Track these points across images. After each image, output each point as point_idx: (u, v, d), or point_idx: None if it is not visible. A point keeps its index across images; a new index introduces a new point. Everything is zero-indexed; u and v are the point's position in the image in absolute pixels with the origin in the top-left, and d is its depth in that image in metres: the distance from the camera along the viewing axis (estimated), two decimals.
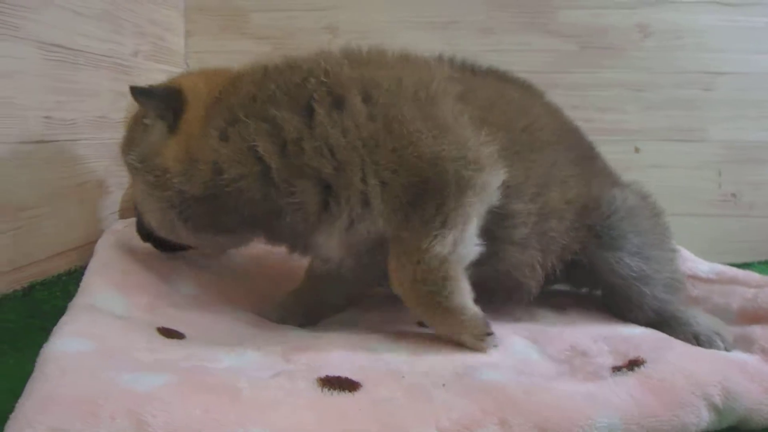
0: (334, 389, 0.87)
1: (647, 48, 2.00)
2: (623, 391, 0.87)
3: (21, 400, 0.77)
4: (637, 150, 2.01)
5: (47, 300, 1.27)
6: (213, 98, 1.13)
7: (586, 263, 1.23)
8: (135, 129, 1.21)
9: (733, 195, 2.00)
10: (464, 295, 1.05)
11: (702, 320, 1.18)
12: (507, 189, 1.10)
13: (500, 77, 1.35)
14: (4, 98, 1.19)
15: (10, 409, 0.78)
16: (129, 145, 1.21)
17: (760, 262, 1.85)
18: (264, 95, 1.07)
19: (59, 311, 1.08)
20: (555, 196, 1.20)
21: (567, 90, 1.98)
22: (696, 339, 1.14)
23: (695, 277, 1.37)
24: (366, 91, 1.05)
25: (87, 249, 1.39)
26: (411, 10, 2.02)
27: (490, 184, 1.07)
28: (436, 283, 1.03)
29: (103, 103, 1.51)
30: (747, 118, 1.99)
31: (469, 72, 1.30)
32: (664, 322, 1.20)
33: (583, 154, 1.34)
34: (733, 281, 1.31)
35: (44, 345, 0.93)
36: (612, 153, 2.00)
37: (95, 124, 1.48)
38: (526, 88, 1.39)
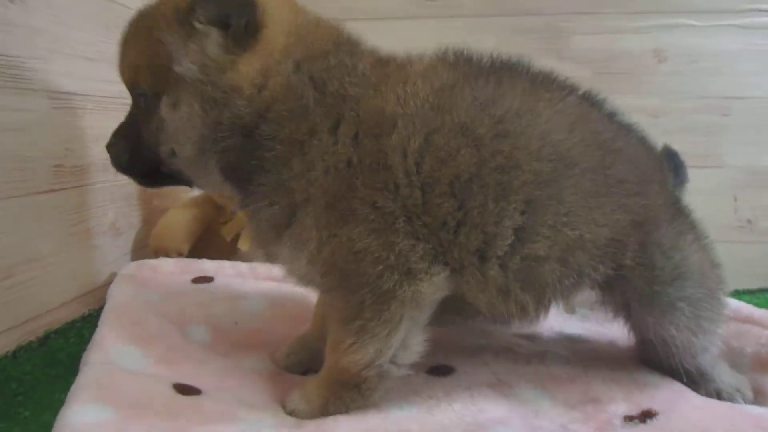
0: None
1: (663, 73, 1.98)
2: None
3: None
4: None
5: (62, 348, 1.28)
6: (296, 32, 1.03)
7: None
8: (166, 34, 0.99)
9: (749, 221, 1.98)
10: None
11: (726, 378, 1.12)
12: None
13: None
14: (14, 153, 1.20)
15: None
16: (160, 55, 0.99)
17: None
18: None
19: (75, 358, 1.10)
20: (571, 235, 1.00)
21: None
22: (718, 395, 1.09)
23: None
24: None
25: (100, 292, 1.40)
26: (424, 35, 2.02)
27: (424, 296, 0.96)
28: (352, 383, 0.99)
29: None
30: (764, 143, 1.97)
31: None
32: (689, 376, 1.11)
33: (616, 187, 1.06)
34: (748, 320, 1.29)
35: (61, 411, 0.93)
36: None
37: (105, 167, 1.48)
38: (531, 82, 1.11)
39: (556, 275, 1.00)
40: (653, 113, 1.99)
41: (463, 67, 1.08)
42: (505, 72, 1.09)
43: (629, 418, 0.99)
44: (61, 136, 1.34)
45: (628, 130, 1.19)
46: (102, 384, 1.00)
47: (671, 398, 1.05)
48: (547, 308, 1.08)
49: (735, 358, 1.23)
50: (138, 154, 1.07)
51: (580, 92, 1.16)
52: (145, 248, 1.66)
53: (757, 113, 1.96)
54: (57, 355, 1.26)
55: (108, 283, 1.41)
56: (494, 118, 0.99)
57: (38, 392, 1.14)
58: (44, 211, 1.29)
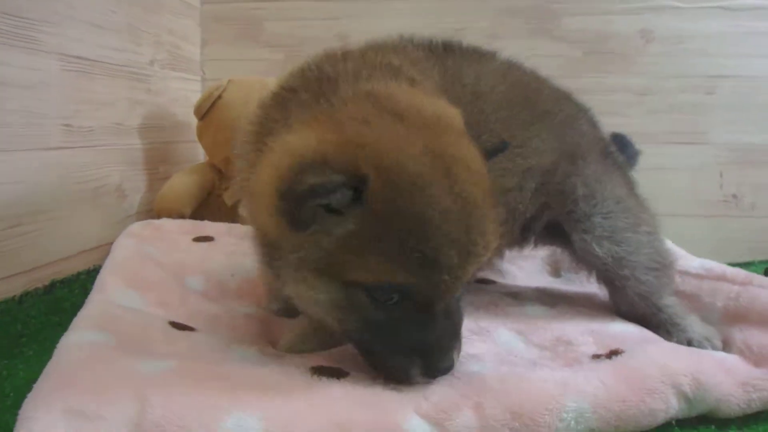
0: (324, 376, 0.93)
1: (650, 53, 2.04)
2: (595, 377, 0.92)
3: (38, 384, 0.83)
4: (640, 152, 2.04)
5: (67, 297, 1.36)
6: None
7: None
8: None
9: (734, 196, 2.03)
10: None
11: (697, 328, 1.19)
12: None
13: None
14: (24, 109, 1.28)
15: (13, 419, 0.84)
16: None
17: (761, 261, 1.87)
18: None
19: (78, 308, 1.15)
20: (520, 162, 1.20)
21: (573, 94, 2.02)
22: (688, 344, 1.16)
23: (685, 273, 1.40)
24: None
25: (104, 249, 1.47)
26: (420, 18, 2.09)
27: None
28: None
29: (119, 111, 1.60)
30: (748, 121, 2.02)
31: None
32: (662, 326, 1.21)
33: (545, 116, 1.29)
34: (720, 278, 1.34)
35: (63, 336, 1.01)
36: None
37: (112, 131, 1.57)
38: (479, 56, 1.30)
39: (518, 201, 1.21)
40: (641, 92, 2.05)
41: (426, 48, 1.22)
42: (454, 49, 1.25)
43: (596, 356, 1.04)
44: (70, 97, 1.42)
45: (547, 81, 1.39)
46: (102, 316, 1.08)
47: (641, 342, 1.11)
48: (515, 237, 1.28)
49: (707, 313, 1.28)
50: None
51: (500, 55, 1.34)
52: (149, 212, 1.73)
53: (742, 92, 2.01)
54: (61, 304, 1.33)
55: (112, 243, 1.48)
56: (466, 86, 1.18)
57: (42, 335, 1.21)
58: (52, 166, 1.37)
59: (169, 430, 0.76)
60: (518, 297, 1.40)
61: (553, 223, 1.28)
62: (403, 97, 0.92)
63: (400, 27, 2.08)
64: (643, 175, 2.03)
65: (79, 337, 0.98)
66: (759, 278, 1.30)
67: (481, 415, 0.84)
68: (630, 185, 1.34)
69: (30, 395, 0.80)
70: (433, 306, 0.87)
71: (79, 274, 1.45)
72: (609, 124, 2.05)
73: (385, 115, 0.87)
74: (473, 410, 0.85)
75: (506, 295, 1.41)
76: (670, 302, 1.22)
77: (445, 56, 1.21)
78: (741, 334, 1.13)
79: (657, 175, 2.01)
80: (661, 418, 0.92)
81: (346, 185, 0.79)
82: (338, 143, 0.83)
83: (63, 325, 1.23)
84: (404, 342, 0.88)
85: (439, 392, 0.88)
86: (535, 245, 1.40)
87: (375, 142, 0.83)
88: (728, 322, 1.22)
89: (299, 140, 0.86)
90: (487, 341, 1.12)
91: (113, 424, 0.76)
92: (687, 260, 1.46)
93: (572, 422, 0.86)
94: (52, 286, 1.37)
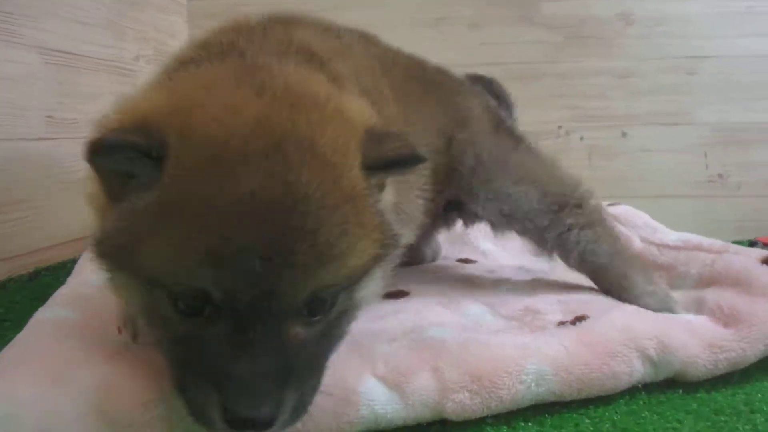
0: None
1: (630, 36, 2.05)
2: (556, 341, 0.93)
3: (3, 353, 0.85)
4: (624, 135, 2.06)
5: (52, 285, 1.38)
6: None
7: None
8: None
9: (720, 176, 2.03)
10: None
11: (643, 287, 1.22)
12: None
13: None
14: (6, 100, 1.32)
15: None
16: None
17: (748, 240, 1.87)
18: None
19: None
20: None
21: (555, 79, 2.04)
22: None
23: (663, 245, 1.42)
24: None
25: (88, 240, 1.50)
26: (400, 7, 2.12)
27: None
28: None
29: (103, 105, 1.62)
30: (731, 100, 2.02)
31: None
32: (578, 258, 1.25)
33: (443, 95, 1.34)
34: (697, 248, 1.35)
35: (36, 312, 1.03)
36: (600, 138, 2.08)
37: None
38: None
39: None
40: (622, 74, 2.06)
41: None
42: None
43: (561, 323, 1.05)
44: (53, 89, 1.46)
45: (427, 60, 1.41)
46: (75, 295, 1.10)
47: (608, 307, 1.12)
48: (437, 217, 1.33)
49: (681, 280, 1.29)
50: None
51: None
52: None
53: (723, 72, 2.02)
54: (46, 291, 1.35)
55: None
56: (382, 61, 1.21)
57: (25, 320, 1.22)
58: (35, 157, 1.41)
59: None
60: (494, 273, 1.42)
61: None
62: (291, 77, 0.78)
63: (381, 16, 2.13)
64: (628, 157, 2.06)
65: (50, 313, 1.01)
66: (735, 247, 1.32)
67: (439, 378, 0.85)
68: (518, 144, 1.35)
69: None
70: (244, 328, 0.65)
71: (65, 262, 1.47)
72: (591, 107, 2.08)
73: (242, 84, 0.74)
74: (431, 373, 0.86)
75: (484, 272, 1.43)
76: (606, 260, 1.24)
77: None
78: (713, 295, 1.13)
79: (642, 157, 2.03)
80: (625, 381, 0.92)
81: (140, 148, 0.65)
82: (156, 106, 0.71)
83: None
84: (207, 372, 0.66)
85: (398, 357, 0.89)
86: (465, 224, 1.44)
87: (195, 107, 0.69)
88: (702, 286, 1.23)
89: (129, 103, 0.76)
90: (454, 312, 1.13)
91: (68, 390, 0.76)
92: (666, 234, 1.48)
93: (533, 384, 0.87)
94: (37, 273, 1.39)
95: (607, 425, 0.87)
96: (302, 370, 0.69)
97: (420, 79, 1.31)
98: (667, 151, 2.04)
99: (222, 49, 0.90)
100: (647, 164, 2.02)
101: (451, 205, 1.34)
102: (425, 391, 0.84)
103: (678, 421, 0.88)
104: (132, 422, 0.74)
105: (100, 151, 0.66)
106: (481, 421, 0.86)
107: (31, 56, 1.38)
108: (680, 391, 0.97)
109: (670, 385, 0.98)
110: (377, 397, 0.82)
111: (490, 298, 1.22)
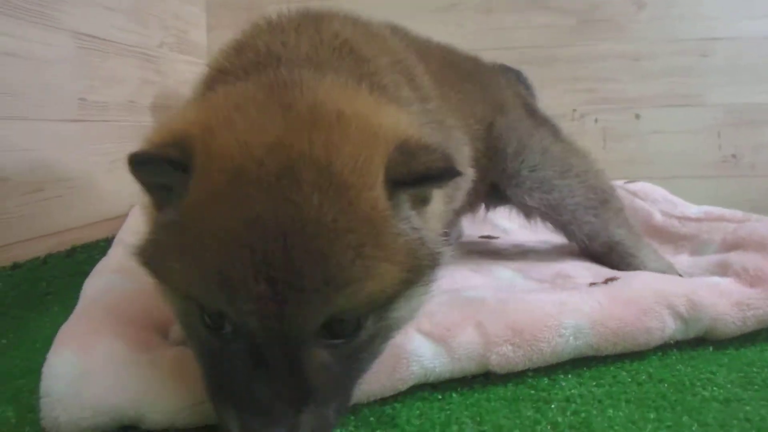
0: None
1: (643, 19, 2.09)
2: (592, 299, 0.97)
3: (67, 323, 0.89)
4: (637, 117, 2.09)
5: (87, 261, 1.42)
6: None
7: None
8: None
9: (734, 156, 2.07)
10: None
11: (653, 260, 1.27)
12: None
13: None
14: (43, 81, 1.35)
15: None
16: None
17: None
18: None
19: None
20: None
21: (568, 63, 2.08)
22: None
23: (685, 218, 1.45)
24: None
25: (120, 221, 1.54)
26: None
27: None
28: None
29: (131, 89, 1.67)
30: (743, 81, 2.06)
31: None
32: (620, 262, 1.28)
33: (479, 81, 1.37)
34: (719, 219, 1.39)
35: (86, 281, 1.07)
36: (614, 121, 2.11)
37: (125, 108, 1.64)
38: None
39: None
40: (635, 57, 2.09)
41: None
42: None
43: (593, 284, 1.09)
44: (85, 73, 1.49)
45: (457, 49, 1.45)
46: (121, 264, 1.14)
47: (635, 272, 1.16)
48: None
49: (704, 246, 1.33)
50: None
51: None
52: None
53: (735, 53, 2.06)
54: (82, 267, 1.39)
55: (127, 214, 1.55)
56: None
57: (64, 294, 1.28)
58: (70, 138, 1.44)
59: None
60: (520, 246, 1.45)
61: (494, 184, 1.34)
62: (322, 94, 0.76)
63: (393, 2, 2.15)
64: (642, 138, 2.09)
65: (104, 281, 1.05)
66: (756, 216, 1.35)
67: (482, 332, 0.88)
68: (556, 133, 1.40)
69: (58, 334, 0.85)
70: (260, 350, 0.65)
71: (98, 241, 1.51)
72: (605, 90, 2.12)
73: (270, 103, 0.73)
74: (474, 328, 0.89)
75: (509, 245, 1.46)
76: (619, 237, 1.29)
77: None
78: (738, 258, 1.16)
79: (655, 139, 2.06)
80: (658, 337, 0.96)
81: (172, 161, 0.67)
82: (190, 122, 0.72)
83: None
84: (228, 386, 0.68)
85: (441, 313, 0.92)
86: (487, 209, 1.47)
87: (221, 126, 0.70)
88: (726, 249, 1.26)
89: (171, 117, 0.77)
90: (486, 276, 1.17)
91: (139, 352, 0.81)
92: (685, 207, 1.51)
93: (571, 338, 0.91)
94: (73, 250, 1.43)
95: (643, 377, 0.90)
96: (324, 393, 0.67)
97: (455, 67, 1.33)
98: (680, 133, 2.08)
99: (258, 59, 0.90)
100: (661, 146, 2.05)
101: (491, 191, 1.36)
102: (470, 345, 0.87)
103: (711, 372, 0.91)
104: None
105: (136, 163, 0.68)
106: (522, 374, 0.89)
107: (64, 40, 1.41)
108: (710, 348, 1.00)
109: (700, 343, 1.01)
110: (425, 353, 0.85)
111: (520, 264, 1.26)
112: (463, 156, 1.16)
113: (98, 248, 1.48)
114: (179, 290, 0.70)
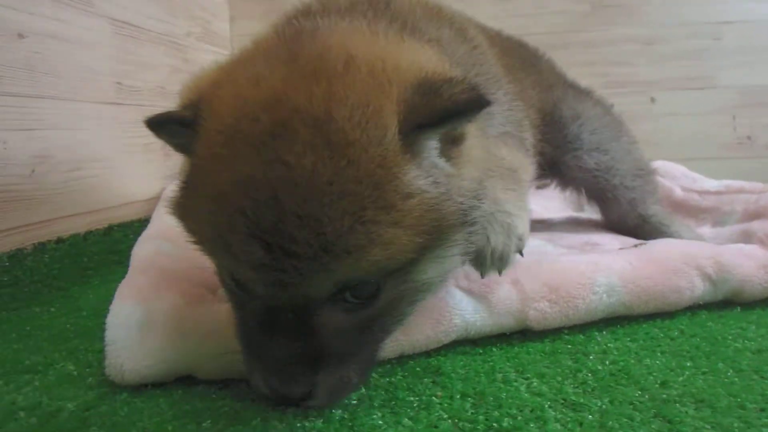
0: None
1: (655, 3, 2.13)
2: (623, 259, 1.00)
3: (123, 283, 0.93)
4: (652, 100, 2.13)
5: (123, 240, 1.46)
6: None
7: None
8: None
9: (749, 138, 2.10)
10: None
11: (685, 233, 1.31)
12: None
13: None
14: (83, 64, 1.40)
15: (94, 325, 0.97)
16: None
17: None
18: None
19: None
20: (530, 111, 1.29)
21: (582, 48, 2.11)
22: None
23: (705, 192, 1.49)
24: None
25: (154, 202, 1.58)
26: None
27: None
28: None
29: (161, 76, 1.72)
30: (756, 63, 2.10)
31: None
32: (651, 235, 1.31)
33: (531, 64, 1.43)
34: (739, 191, 1.43)
35: (134, 247, 1.11)
36: (629, 104, 2.14)
37: (156, 93, 1.68)
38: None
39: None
40: (648, 41, 2.14)
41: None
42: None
43: (622, 249, 1.12)
44: (120, 58, 1.54)
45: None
46: (166, 231, 1.18)
47: (661, 239, 1.19)
48: None
49: (726, 217, 1.36)
50: None
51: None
52: None
53: (748, 36, 2.10)
54: (118, 246, 1.43)
55: (160, 196, 1.59)
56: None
57: (104, 269, 1.32)
58: (108, 120, 1.49)
59: None
60: (547, 222, 1.49)
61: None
62: (333, 38, 0.71)
63: None
64: (657, 121, 2.12)
65: (152, 246, 1.09)
66: None
67: (520, 289, 0.91)
68: (604, 103, 1.47)
69: (118, 289, 0.90)
70: (273, 313, 0.64)
71: (132, 221, 1.55)
72: (618, 73, 2.15)
73: (278, 54, 0.69)
74: (512, 285, 0.92)
75: (534, 222, 1.49)
76: (654, 211, 1.34)
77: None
78: (761, 226, 1.20)
79: (670, 121, 2.10)
80: (687, 296, 0.99)
81: (179, 122, 0.68)
82: (208, 79, 0.72)
83: (122, 263, 1.34)
84: (253, 343, 0.68)
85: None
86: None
87: (227, 81, 0.68)
88: (748, 219, 1.29)
89: (195, 79, 0.77)
90: None
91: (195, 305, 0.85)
92: (705, 182, 1.54)
93: (604, 296, 0.94)
94: (110, 228, 1.47)
95: (675, 333, 0.93)
96: (342, 354, 0.66)
97: (510, 43, 1.39)
98: (695, 115, 2.11)
99: (290, 14, 0.92)
100: (676, 128, 2.09)
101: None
102: (508, 300, 0.90)
103: (741, 328, 0.95)
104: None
105: (150, 126, 0.71)
106: (558, 331, 0.93)
107: (102, 25, 1.46)
108: (738, 308, 1.03)
109: (727, 305, 1.04)
110: (466, 307, 0.88)
111: (549, 234, 1.29)
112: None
113: (132, 228, 1.52)
114: (199, 247, 0.71)
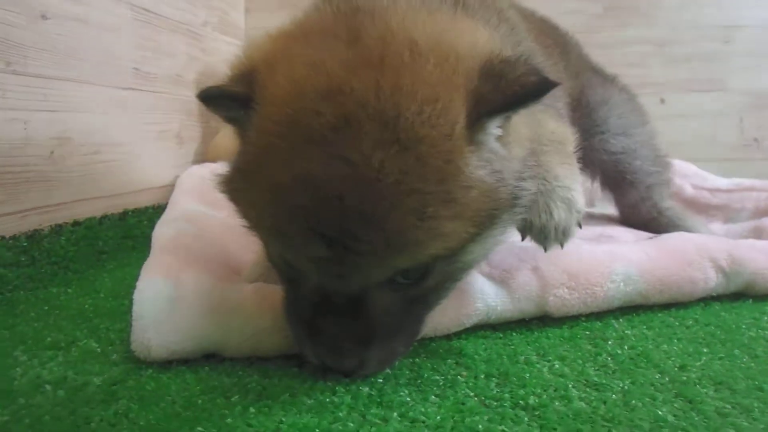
0: None
1: (668, 6, 2.15)
2: (640, 249, 1.02)
3: (146, 263, 0.93)
4: (662, 101, 2.15)
5: (137, 226, 1.47)
6: None
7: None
8: None
9: (756, 140, 2.12)
10: None
11: (699, 228, 1.32)
12: None
13: None
14: (103, 48, 1.41)
15: (113, 306, 0.99)
16: None
17: None
18: None
19: (148, 236, 1.24)
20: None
21: (594, 49, 2.09)
22: None
23: (716, 190, 1.51)
24: None
25: (167, 189, 1.59)
26: None
27: None
28: None
29: (178, 64, 1.72)
30: (764, 67, 2.12)
31: None
32: (664, 229, 1.32)
33: (564, 50, 1.45)
34: (749, 189, 1.44)
35: (156, 228, 1.12)
36: None
37: (172, 81, 1.69)
38: None
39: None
40: (659, 43, 2.16)
41: None
42: None
43: (638, 241, 1.14)
44: (138, 44, 1.55)
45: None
46: (184, 214, 1.19)
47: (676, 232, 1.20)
48: None
49: (736, 214, 1.38)
50: None
51: None
52: (202, 162, 1.84)
53: (758, 40, 2.12)
54: (133, 231, 1.44)
55: (173, 183, 1.60)
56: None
57: (119, 253, 1.33)
58: (124, 105, 1.49)
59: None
60: None
61: None
62: (395, 19, 0.67)
63: None
64: (666, 122, 2.14)
65: (174, 227, 1.09)
66: None
67: (540, 275, 0.93)
68: (627, 90, 1.50)
69: (144, 267, 0.90)
70: (327, 296, 0.66)
71: (147, 208, 1.56)
72: (630, 74, 2.15)
73: (337, 33, 0.66)
74: (532, 271, 0.93)
75: None
76: (669, 204, 1.36)
77: None
78: None
79: (679, 122, 2.11)
80: (701, 288, 1.00)
81: (232, 98, 0.66)
82: (262, 52, 0.69)
83: (136, 248, 1.36)
84: (304, 321, 0.69)
85: (499, 257, 0.96)
86: None
87: (282, 61, 0.65)
88: (758, 216, 1.31)
89: (250, 48, 0.74)
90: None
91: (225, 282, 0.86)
92: (715, 180, 1.56)
93: (621, 284, 0.95)
94: (125, 213, 1.48)
95: (690, 321, 0.95)
96: (390, 329, 0.68)
97: (544, 25, 1.42)
98: (704, 117, 2.13)
99: None
100: (685, 129, 2.11)
101: None
102: (528, 286, 0.92)
103: (754, 318, 0.96)
104: (276, 330, 0.78)
105: (203, 99, 0.69)
106: (576, 318, 0.94)
107: (123, 10, 1.47)
108: (750, 301, 1.04)
109: (739, 297, 1.05)
110: (488, 291, 0.90)
111: None
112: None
113: (147, 214, 1.53)
114: (253, 232, 0.71)
